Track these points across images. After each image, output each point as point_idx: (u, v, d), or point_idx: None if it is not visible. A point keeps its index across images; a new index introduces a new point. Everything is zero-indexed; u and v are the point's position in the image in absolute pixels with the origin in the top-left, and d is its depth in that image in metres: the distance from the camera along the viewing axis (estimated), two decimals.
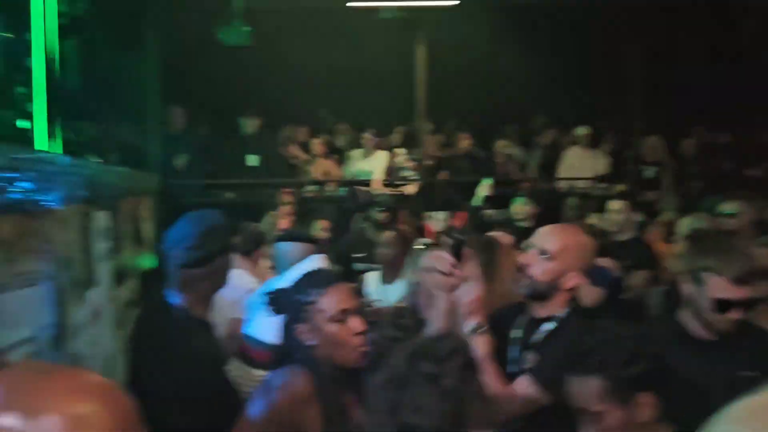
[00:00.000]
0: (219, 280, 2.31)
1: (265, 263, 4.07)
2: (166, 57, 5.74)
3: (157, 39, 5.67)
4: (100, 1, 5.30)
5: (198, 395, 2.15)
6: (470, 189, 6.12)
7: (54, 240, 1.99)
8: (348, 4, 6.60)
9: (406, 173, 7.26)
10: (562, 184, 7.25)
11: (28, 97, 4.65)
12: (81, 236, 2.36)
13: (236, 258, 3.54)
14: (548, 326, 2.17)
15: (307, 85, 7.75)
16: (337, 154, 7.62)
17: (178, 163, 6.30)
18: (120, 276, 3.03)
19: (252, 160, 6.49)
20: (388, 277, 4.04)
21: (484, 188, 5.58)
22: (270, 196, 5.98)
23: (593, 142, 7.49)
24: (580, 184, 7.16)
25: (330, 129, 8.16)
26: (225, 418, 2.13)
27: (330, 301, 1.92)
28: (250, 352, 2.82)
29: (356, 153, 7.35)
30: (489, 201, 5.72)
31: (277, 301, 2.01)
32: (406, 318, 2.65)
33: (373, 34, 7.17)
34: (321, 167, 7.26)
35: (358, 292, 3.84)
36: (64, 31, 5.09)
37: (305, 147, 7.58)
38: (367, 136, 7.14)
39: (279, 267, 3.12)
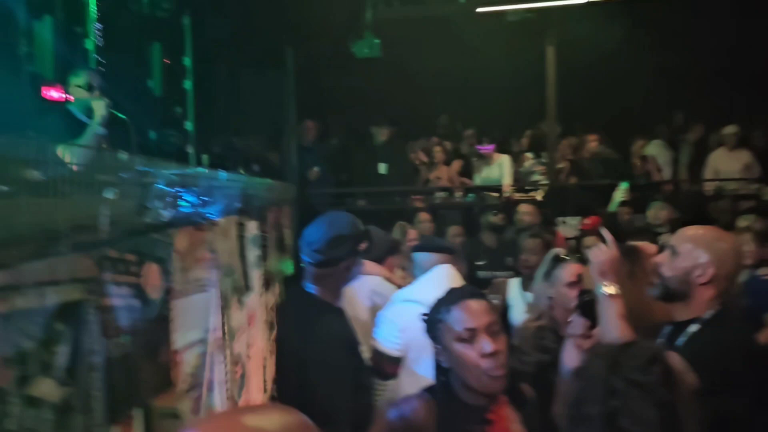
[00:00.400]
0: (346, 276, 2.54)
1: (398, 272, 4.13)
2: (301, 72, 6.04)
3: (293, 56, 5.98)
4: (242, 25, 5.70)
5: (334, 370, 2.33)
6: (603, 193, 5.86)
7: (217, 249, 2.14)
8: (476, 9, 6.58)
9: (535, 178, 7.11)
10: (709, 186, 6.75)
11: (185, 116, 5.13)
12: (238, 245, 2.52)
13: (371, 265, 3.64)
14: (692, 329, 2.03)
15: (436, 92, 7.81)
16: (464, 160, 7.60)
17: (310, 173, 6.58)
18: (267, 281, 3.22)
19: (382, 168, 6.64)
20: (529, 286, 3.94)
21: (621, 192, 5.28)
22: (400, 204, 6.09)
23: (742, 141, 6.91)
24: (730, 185, 6.62)
25: (455, 135, 8.16)
26: (359, 396, 2.37)
27: (457, 319, 1.78)
28: (378, 362, 2.87)
29: (482, 159, 7.29)
30: (627, 205, 5.42)
31: (426, 323, 1.91)
32: (548, 338, 2.56)
33: (500, 38, 7.09)
34: (444, 174, 7.27)
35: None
36: (212, 55, 5.56)
37: (432, 154, 7.63)
38: (486, 142, 7.05)
39: (416, 276, 3.12)
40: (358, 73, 6.82)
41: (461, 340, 1.76)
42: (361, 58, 5.94)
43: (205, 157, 4.66)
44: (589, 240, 4.22)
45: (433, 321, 1.84)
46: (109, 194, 1.22)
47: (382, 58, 6.02)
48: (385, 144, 6.86)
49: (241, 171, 4.41)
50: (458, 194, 7.01)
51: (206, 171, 3.20)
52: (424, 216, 5.20)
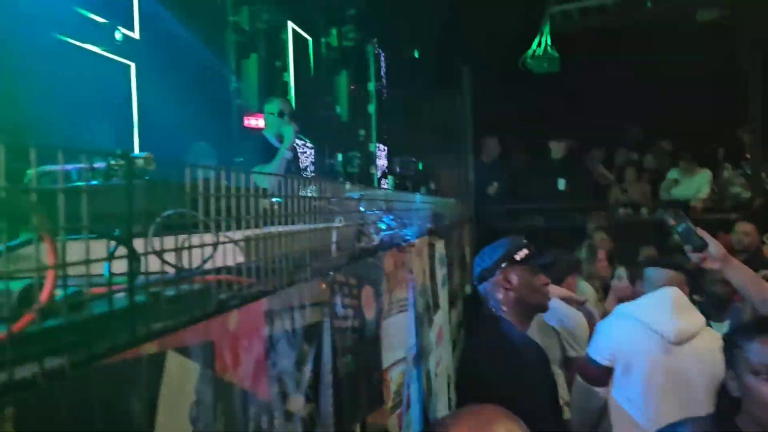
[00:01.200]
0: (513, 291, 2.46)
1: (582, 283, 4.03)
2: (478, 90, 6.06)
3: (470, 74, 6.03)
4: (421, 47, 5.88)
5: (523, 387, 2.29)
6: None
7: (413, 270, 2.20)
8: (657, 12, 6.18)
9: (735, 191, 6.44)
10: None
11: (368, 139, 5.39)
12: (429, 265, 2.58)
13: (553, 288, 3.56)
14: None
15: (621, 103, 7.40)
16: (653, 174, 7.11)
17: (489, 190, 6.55)
18: (452, 299, 3.27)
19: (561, 184, 6.44)
20: (715, 315, 3.57)
21: None
22: (579, 221, 5.85)
23: None
24: None
25: (643, 147, 7.65)
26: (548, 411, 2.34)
27: (757, 351, 1.68)
28: (586, 369, 2.91)
29: (673, 172, 6.76)
30: None
31: (725, 344, 1.84)
32: None
33: (689, 41, 6.58)
34: (635, 189, 6.85)
35: None
36: (393, 78, 5.80)
37: (615, 168, 7.24)
38: (686, 158, 6.52)
39: (646, 291, 3.01)
40: (536, 88, 6.68)
41: (756, 373, 1.68)
42: (540, 73, 5.82)
43: (390, 179, 4.85)
44: None
45: (732, 345, 1.77)
46: (337, 221, 1.31)
47: (561, 71, 5.84)
48: (564, 159, 6.64)
49: (429, 190, 4.51)
50: (645, 210, 6.56)
51: (405, 194, 3.34)
52: (601, 234, 4.94)
